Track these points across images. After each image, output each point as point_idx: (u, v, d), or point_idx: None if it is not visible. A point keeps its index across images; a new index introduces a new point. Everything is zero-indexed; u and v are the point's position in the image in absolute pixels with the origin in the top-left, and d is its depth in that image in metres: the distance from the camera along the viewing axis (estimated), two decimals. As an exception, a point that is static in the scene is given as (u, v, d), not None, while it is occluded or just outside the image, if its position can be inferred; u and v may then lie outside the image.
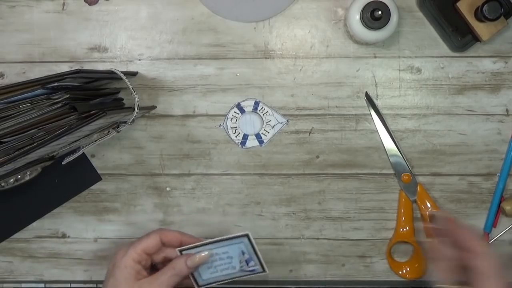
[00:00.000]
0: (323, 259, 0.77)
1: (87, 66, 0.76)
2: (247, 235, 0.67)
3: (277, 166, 0.76)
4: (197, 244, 0.67)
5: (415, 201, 0.76)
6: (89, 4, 0.75)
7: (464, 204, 0.76)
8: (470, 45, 0.73)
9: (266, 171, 0.77)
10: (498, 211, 0.75)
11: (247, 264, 0.69)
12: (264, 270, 0.69)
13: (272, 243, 0.77)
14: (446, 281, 0.57)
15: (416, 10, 0.75)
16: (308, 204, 0.77)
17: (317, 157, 0.76)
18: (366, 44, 0.75)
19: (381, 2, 0.67)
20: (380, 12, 0.67)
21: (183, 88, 0.76)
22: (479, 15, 0.67)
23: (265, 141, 0.76)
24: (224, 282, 0.70)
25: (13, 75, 0.76)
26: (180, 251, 0.66)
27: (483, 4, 0.66)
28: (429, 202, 0.75)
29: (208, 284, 0.69)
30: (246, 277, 0.69)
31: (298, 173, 0.77)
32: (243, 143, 0.76)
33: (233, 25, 0.75)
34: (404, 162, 0.75)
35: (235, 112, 0.76)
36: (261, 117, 0.76)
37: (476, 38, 0.71)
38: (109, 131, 0.71)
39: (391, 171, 0.76)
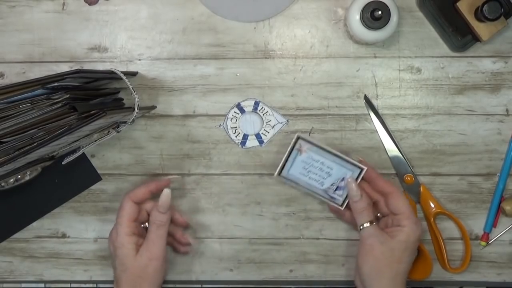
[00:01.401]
0: (323, 259, 0.77)
1: (87, 66, 0.76)
2: (362, 170, 0.70)
3: (277, 166, 0.76)
4: (317, 143, 0.70)
5: (418, 202, 0.76)
6: (89, 4, 0.75)
7: (464, 204, 0.76)
8: (470, 45, 0.73)
9: (266, 171, 0.77)
10: (498, 211, 0.75)
11: (335, 190, 0.70)
12: (341, 205, 0.71)
13: (272, 243, 0.77)
14: (368, 218, 0.68)
15: (416, 10, 0.75)
16: (308, 204, 0.77)
17: (317, 157, 0.76)
18: (366, 44, 0.75)
19: (381, 2, 0.67)
20: (380, 12, 0.67)
21: (183, 88, 0.76)
22: (479, 15, 0.67)
23: (265, 141, 0.76)
24: (300, 189, 0.72)
25: (13, 75, 0.76)
26: (298, 137, 0.70)
27: (483, 4, 0.66)
28: (432, 203, 0.75)
29: (287, 179, 0.71)
30: (321, 198, 0.71)
31: (298, 173, 0.76)
32: (243, 143, 0.76)
33: (233, 25, 0.75)
34: (406, 164, 0.75)
35: (235, 112, 0.76)
36: (261, 117, 0.76)
37: (476, 38, 0.71)
38: (109, 131, 0.71)
39: (392, 171, 0.76)
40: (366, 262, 0.68)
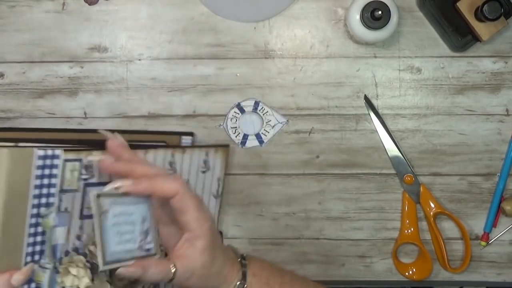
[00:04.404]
0: (323, 259, 0.77)
1: (87, 66, 0.76)
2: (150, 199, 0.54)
3: (277, 166, 0.76)
4: (110, 191, 0.51)
5: (418, 202, 0.76)
6: (89, 4, 0.75)
7: (464, 204, 0.76)
8: (470, 45, 0.73)
9: (266, 171, 0.77)
10: (498, 211, 0.75)
11: (146, 238, 0.53)
12: (156, 253, 0.54)
13: (272, 243, 0.77)
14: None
15: (416, 10, 0.75)
16: (308, 204, 0.77)
17: (317, 157, 0.76)
18: (366, 44, 0.75)
19: (381, 2, 0.67)
20: (380, 12, 0.67)
21: (183, 88, 0.76)
22: (479, 15, 0.67)
23: (265, 141, 0.76)
24: (123, 264, 0.51)
25: (13, 75, 0.76)
26: (98, 196, 0.50)
27: (483, 4, 0.66)
28: (432, 203, 0.75)
29: (113, 263, 0.50)
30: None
31: (298, 173, 0.77)
32: (243, 143, 0.76)
33: (233, 25, 0.75)
34: (406, 164, 0.75)
35: (235, 112, 0.76)
36: (261, 117, 0.76)
37: (476, 38, 0.71)
38: None
39: (391, 171, 0.76)
40: None
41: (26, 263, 0.52)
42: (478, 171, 0.76)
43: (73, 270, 0.55)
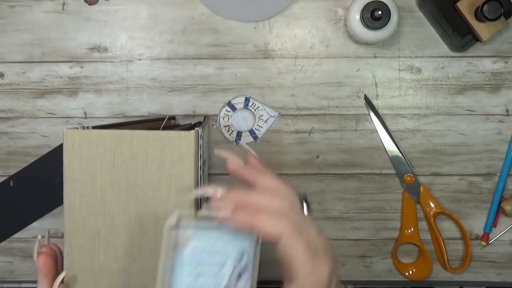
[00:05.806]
0: (323, 259, 0.77)
1: (87, 66, 0.76)
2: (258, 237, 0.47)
3: (277, 165, 0.76)
4: (205, 218, 0.44)
5: (418, 202, 0.76)
6: (89, 4, 0.76)
7: (464, 204, 0.76)
8: (470, 45, 0.73)
9: (266, 171, 0.77)
10: (498, 211, 0.75)
11: (238, 279, 0.47)
12: None
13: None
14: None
15: (416, 10, 0.75)
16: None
17: (317, 157, 0.76)
18: (366, 44, 0.75)
19: (381, 2, 0.67)
20: (380, 12, 0.67)
21: (183, 88, 0.76)
22: (479, 15, 0.67)
23: (259, 136, 0.76)
24: None
25: (13, 75, 0.76)
26: (178, 218, 0.44)
27: (483, 4, 0.66)
28: (432, 203, 0.75)
29: None
30: None
31: (298, 173, 0.77)
32: (238, 140, 0.76)
33: (233, 25, 0.75)
34: (406, 164, 0.75)
35: (226, 110, 0.76)
36: (253, 112, 0.76)
37: (476, 38, 0.71)
38: None
39: (391, 171, 0.76)
40: None
41: None
42: (478, 171, 0.76)
43: None
